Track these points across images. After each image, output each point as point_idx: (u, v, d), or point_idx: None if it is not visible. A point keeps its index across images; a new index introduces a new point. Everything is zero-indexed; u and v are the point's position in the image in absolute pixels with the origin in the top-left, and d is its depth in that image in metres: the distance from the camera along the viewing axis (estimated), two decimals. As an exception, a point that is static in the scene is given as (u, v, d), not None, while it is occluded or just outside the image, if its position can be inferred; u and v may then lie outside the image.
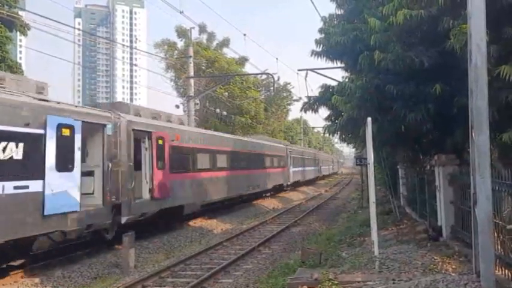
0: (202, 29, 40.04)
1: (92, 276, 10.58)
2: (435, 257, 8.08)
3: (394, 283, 6.71)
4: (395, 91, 8.99)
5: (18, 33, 31.59)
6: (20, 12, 31.40)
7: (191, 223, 18.39)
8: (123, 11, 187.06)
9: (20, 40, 76.51)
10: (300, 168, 42.06)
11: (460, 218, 8.82)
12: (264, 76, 42.29)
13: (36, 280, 9.86)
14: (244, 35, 27.38)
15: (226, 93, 39.49)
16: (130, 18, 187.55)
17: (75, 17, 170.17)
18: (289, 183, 36.03)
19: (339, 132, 12.02)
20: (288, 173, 35.77)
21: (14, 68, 28.51)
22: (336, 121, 12.09)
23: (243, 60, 41.49)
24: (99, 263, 11.57)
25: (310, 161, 49.66)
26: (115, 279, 10.28)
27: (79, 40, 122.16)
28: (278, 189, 33.74)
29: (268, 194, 31.17)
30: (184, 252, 13.41)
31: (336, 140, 64.01)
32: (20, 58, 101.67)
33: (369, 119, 8.35)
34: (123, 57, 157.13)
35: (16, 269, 10.22)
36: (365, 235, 12.37)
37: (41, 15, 16.91)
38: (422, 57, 8.45)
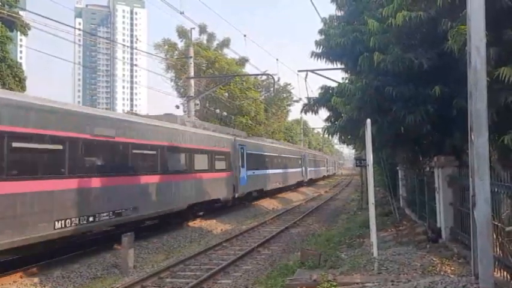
0: (202, 29, 40.09)
1: (91, 277, 10.59)
2: (434, 259, 8.09)
3: (393, 284, 6.71)
4: (394, 93, 8.99)
5: (18, 33, 31.57)
6: (21, 12, 31.40)
7: (191, 223, 18.40)
8: (123, 11, 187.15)
9: (21, 40, 76.47)
10: (265, 172, 29.76)
11: (459, 220, 8.82)
12: (264, 77, 42.39)
13: (36, 280, 9.87)
14: (245, 35, 27.45)
15: (227, 94, 39.52)
16: (131, 19, 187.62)
17: (75, 17, 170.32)
18: (237, 194, 23.51)
19: (338, 134, 12.03)
20: (235, 180, 23.30)
21: (14, 68, 28.52)
22: (336, 122, 12.10)
23: (243, 61, 41.55)
24: (98, 263, 11.58)
25: (287, 161, 37.55)
26: (114, 280, 10.29)
27: (79, 40, 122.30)
28: (213, 207, 21.11)
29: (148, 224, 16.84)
30: (183, 252, 13.42)
31: (335, 141, 62.92)
32: (21, 58, 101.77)
33: (368, 121, 8.35)
34: (123, 58, 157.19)
35: (15, 269, 10.20)
36: (364, 236, 12.38)
37: (41, 15, 16.95)
38: (421, 59, 8.45)
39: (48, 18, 16.14)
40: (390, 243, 10.94)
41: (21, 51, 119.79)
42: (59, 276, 10.28)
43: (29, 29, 29.65)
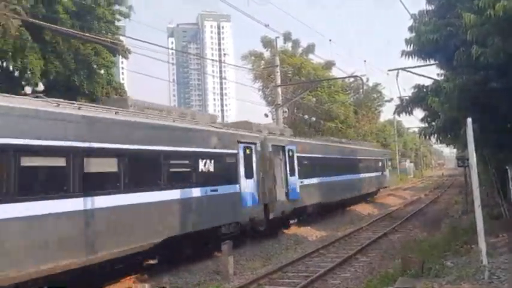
0: (287, 37, 40.46)
1: (195, 283, 11.15)
2: (555, 267, 7.33)
3: (507, 296, 6.22)
4: (498, 87, 8.35)
5: (120, 57, 34.47)
6: (121, 38, 34.25)
7: (286, 230, 18.55)
8: (211, 26, 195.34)
9: (122, 63, 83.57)
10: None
11: None
12: (352, 79, 41.55)
13: (147, 286, 10.63)
14: (330, 40, 27.19)
15: (314, 99, 39.40)
16: (218, 33, 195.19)
17: (168, 37, 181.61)
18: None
19: (436, 135, 11.43)
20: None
21: (118, 89, 31.25)
22: (433, 123, 11.52)
23: (329, 65, 41.17)
24: (201, 270, 12.14)
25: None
26: (217, 286, 10.73)
27: (173, 58, 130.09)
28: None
29: None
30: (280, 259, 13.58)
31: (434, 141, 58.77)
32: (123, 79, 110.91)
33: (469, 120, 7.83)
34: (212, 71, 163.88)
35: (125, 276, 11.08)
36: (471, 242, 11.52)
37: (138, 40, 18.36)
38: (528, 48, 7.77)
39: (145, 42, 17.47)
40: (502, 249, 10.10)
41: (122, 73, 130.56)
42: (167, 282, 11.00)
43: (130, 52, 32.26)
